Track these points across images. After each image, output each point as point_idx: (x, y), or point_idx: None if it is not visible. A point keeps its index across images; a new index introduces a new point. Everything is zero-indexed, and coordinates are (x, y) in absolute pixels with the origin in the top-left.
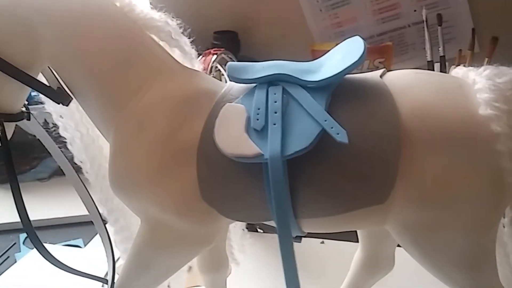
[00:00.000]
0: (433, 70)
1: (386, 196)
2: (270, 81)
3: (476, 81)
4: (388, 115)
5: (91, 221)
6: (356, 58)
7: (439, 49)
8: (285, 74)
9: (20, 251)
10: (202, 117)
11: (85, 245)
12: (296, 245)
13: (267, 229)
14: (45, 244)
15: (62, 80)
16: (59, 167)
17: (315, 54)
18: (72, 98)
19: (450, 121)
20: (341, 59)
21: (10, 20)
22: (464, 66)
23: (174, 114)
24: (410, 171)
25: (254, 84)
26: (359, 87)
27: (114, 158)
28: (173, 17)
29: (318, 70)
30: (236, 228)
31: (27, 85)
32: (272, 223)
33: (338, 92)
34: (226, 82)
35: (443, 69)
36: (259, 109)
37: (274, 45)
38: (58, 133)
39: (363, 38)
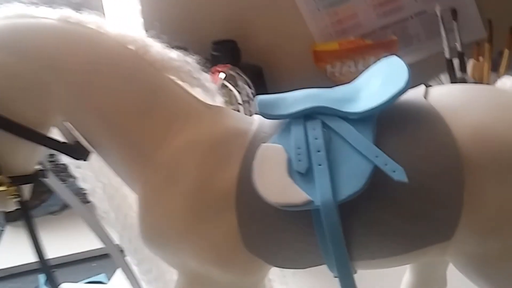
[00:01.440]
0: (453, 68)
1: (452, 233)
2: (305, 115)
3: None
4: (444, 143)
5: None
6: (401, 84)
7: (456, 44)
8: (322, 106)
9: None
10: (236, 161)
11: (109, 280)
12: None
13: None
14: (67, 284)
15: (80, 134)
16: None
17: (318, 56)
18: (89, 153)
19: (510, 143)
20: (380, 85)
21: (19, 77)
22: (481, 60)
23: (204, 161)
24: (474, 203)
25: (288, 120)
26: (405, 114)
27: (145, 212)
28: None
29: (357, 98)
30: None
31: (39, 144)
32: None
33: (382, 122)
34: (238, 97)
35: (462, 67)
36: (299, 148)
37: (275, 50)
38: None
39: (400, 57)
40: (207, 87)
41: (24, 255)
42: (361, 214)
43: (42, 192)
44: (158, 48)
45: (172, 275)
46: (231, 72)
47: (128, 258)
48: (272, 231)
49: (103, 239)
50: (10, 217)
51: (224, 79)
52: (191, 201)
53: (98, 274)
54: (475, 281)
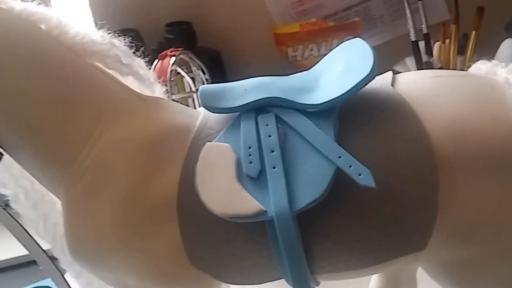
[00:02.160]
0: (419, 50)
1: (426, 241)
2: (257, 108)
3: (511, 80)
4: (416, 138)
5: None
6: (366, 71)
7: (422, 26)
8: (276, 97)
9: None
10: (177, 162)
11: (56, 285)
12: None
13: None
14: None
15: None
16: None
17: (278, 38)
18: (2, 155)
19: (488, 137)
20: (342, 72)
21: None
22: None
23: (137, 162)
24: (450, 206)
25: (237, 113)
26: (370, 106)
27: (70, 224)
28: (116, 31)
29: (316, 88)
30: None
31: None
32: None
33: (344, 115)
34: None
35: (428, 49)
36: (250, 148)
37: (233, 32)
38: None
39: (364, 39)
40: (141, 75)
41: None
42: (322, 223)
43: None
44: (78, 29)
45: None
46: (183, 57)
47: (67, 270)
48: (221, 244)
49: (27, 245)
50: None
51: (176, 64)
52: (122, 211)
53: (44, 278)
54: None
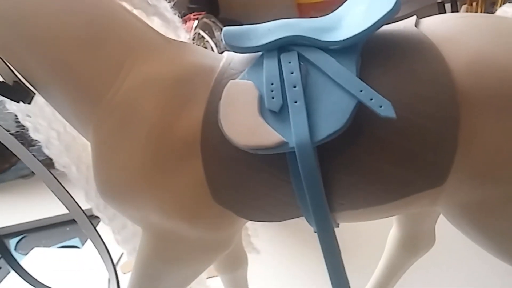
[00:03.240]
0: (445, 12)
1: (445, 178)
2: (280, 47)
3: None
4: (438, 74)
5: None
6: (389, 6)
7: None
8: (298, 35)
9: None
10: (201, 100)
11: (83, 244)
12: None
13: None
14: (38, 248)
15: (18, 72)
16: (41, 160)
17: (301, 9)
18: (34, 94)
19: None
20: (366, 11)
21: None
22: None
23: (164, 100)
24: (470, 142)
25: (260, 53)
26: (393, 43)
27: (99, 163)
28: None
29: (338, 27)
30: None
31: None
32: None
33: (367, 52)
34: (215, 50)
35: (454, 10)
36: (272, 84)
37: (255, 3)
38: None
39: None
40: (167, 17)
41: None
42: (342, 157)
43: (12, 155)
44: None
45: None
46: (207, 20)
47: (100, 216)
48: (242, 180)
49: (68, 204)
50: None
51: (197, 26)
52: (150, 148)
53: (72, 238)
54: (469, 234)
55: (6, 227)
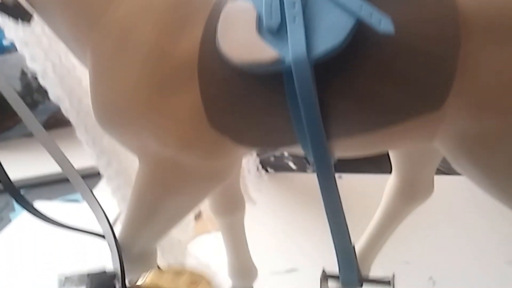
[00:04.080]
0: None
1: (442, 100)
2: None
3: None
4: None
5: (88, 173)
6: None
7: None
8: None
9: (14, 211)
10: (200, 22)
11: (85, 199)
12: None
13: (279, 169)
14: (42, 202)
15: None
16: (45, 120)
17: None
18: (32, 15)
19: None
20: None
21: None
22: None
23: (162, 22)
24: (470, 67)
25: None
26: None
27: (96, 87)
28: None
29: None
30: (250, 166)
31: None
32: (297, 149)
33: None
34: None
35: None
36: (271, 4)
37: None
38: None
39: None
40: None
41: None
42: (339, 80)
43: (15, 113)
44: None
45: (136, 169)
46: None
47: (88, 151)
48: (239, 103)
49: (61, 162)
50: None
51: None
52: (147, 71)
53: (73, 193)
54: (466, 169)
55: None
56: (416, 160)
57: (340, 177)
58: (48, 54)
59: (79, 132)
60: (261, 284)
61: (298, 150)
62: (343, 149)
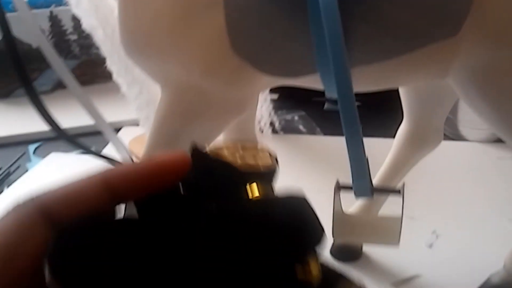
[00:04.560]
0: None
1: (458, 27)
2: None
3: None
4: None
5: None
6: None
7: None
8: None
9: (30, 161)
10: None
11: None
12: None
13: (289, 131)
14: (57, 153)
15: None
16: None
17: None
18: None
19: None
20: None
21: None
22: None
23: None
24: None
25: None
26: None
27: (123, 13)
28: None
29: None
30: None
31: None
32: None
33: None
34: None
35: None
36: None
37: None
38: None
39: None
40: None
41: (12, 128)
42: (362, 6)
43: (32, 70)
44: None
45: None
46: None
47: (120, 81)
48: (262, 28)
49: (93, 114)
50: (0, 93)
51: None
52: None
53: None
54: (478, 105)
55: (25, 134)
56: (427, 106)
57: None
58: None
59: (111, 61)
60: None
61: (315, 82)
62: (359, 81)
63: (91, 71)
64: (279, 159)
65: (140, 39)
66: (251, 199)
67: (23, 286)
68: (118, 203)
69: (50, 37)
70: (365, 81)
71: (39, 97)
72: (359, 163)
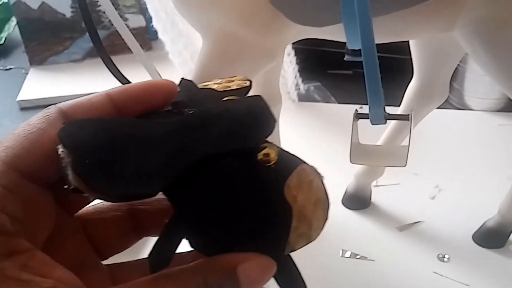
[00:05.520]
0: None
1: None
2: None
3: None
4: None
5: None
6: None
7: None
8: None
9: None
10: None
11: None
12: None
13: (305, 98)
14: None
15: None
16: (92, 48)
17: None
18: None
19: None
20: None
21: None
22: None
23: None
24: None
25: None
26: None
27: None
28: None
29: None
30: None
31: None
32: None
33: None
34: None
35: None
36: None
37: None
38: None
39: None
40: None
41: (47, 92)
42: None
43: (65, 39)
44: None
45: None
46: None
47: (164, 39)
48: None
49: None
50: (35, 60)
51: None
52: None
53: None
54: (480, 56)
55: (59, 97)
56: (435, 61)
57: (361, 107)
58: None
59: (159, 17)
60: None
61: (338, 33)
62: (378, 31)
63: (120, 41)
64: (296, 126)
65: None
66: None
67: (46, 165)
68: (120, 113)
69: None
70: (381, 31)
71: (111, 59)
72: (376, 94)
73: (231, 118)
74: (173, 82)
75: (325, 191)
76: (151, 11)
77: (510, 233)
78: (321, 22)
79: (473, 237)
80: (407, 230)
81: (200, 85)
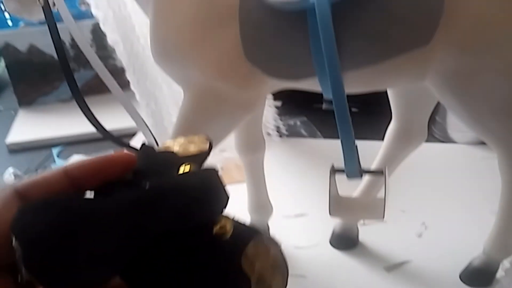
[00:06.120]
0: None
1: (429, 37)
2: None
3: None
4: None
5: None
6: None
7: None
8: None
9: (55, 163)
10: None
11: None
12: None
13: (292, 134)
14: (78, 155)
15: None
16: (81, 87)
17: None
18: None
19: None
20: None
21: None
22: None
23: None
24: (454, 12)
25: None
26: None
27: (155, 25)
28: None
29: None
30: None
31: None
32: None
33: None
34: None
35: None
36: None
37: None
38: None
39: None
40: None
41: (36, 133)
42: (351, 20)
43: (54, 80)
44: None
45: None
46: None
47: (135, 91)
48: (270, 40)
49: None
50: (24, 101)
51: None
52: (199, 12)
53: (107, 150)
54: (451, 104)
55: (49, 139)
56: (412, 106)
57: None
58: (110, 3)
59: (128, 73)
60: (274, 225)
61: (313, 84)
62: (352, 82)
63: None
64: (283, 160)
65: (166, 48)
66: (177, 175)
67: (2, 250)
68: (78, 188)
69: (70, 48)
70: (355, 83)
71: (86, 103)
72: (350, 149)
73: (184, 195)
74: (131, 154)
75: (283, 258)
76: (123, 64)
77: (496, 271)
78: (296, 76)
79: (460, 276)
80: (395, 270)
81: (162, 147)
